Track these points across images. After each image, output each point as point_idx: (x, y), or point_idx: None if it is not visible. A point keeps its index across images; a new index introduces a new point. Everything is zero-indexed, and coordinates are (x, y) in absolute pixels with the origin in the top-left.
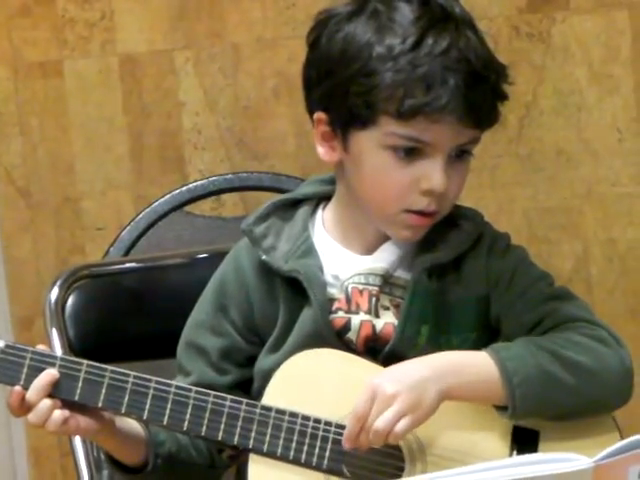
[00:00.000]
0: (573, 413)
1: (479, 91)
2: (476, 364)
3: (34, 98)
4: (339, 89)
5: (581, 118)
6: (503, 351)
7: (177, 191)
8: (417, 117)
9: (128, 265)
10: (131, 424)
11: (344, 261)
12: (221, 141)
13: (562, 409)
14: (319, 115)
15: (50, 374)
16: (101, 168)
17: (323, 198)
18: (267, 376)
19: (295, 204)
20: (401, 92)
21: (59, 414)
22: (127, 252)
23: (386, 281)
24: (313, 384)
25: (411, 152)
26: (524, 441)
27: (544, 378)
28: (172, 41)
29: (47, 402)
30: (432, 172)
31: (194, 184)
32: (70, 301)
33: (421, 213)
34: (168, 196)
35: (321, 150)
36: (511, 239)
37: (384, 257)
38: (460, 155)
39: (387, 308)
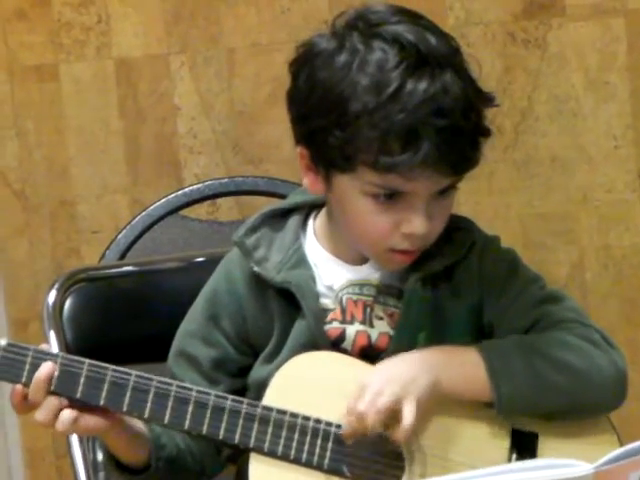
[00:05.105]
0: (563, 413)
1: (456, 142)
2: (464, 359)
3: (30, 101)
4: (317, 136)
5: (577, 124)
6: (492, 349)
7: (173, 195)
8: (393, 172)
9: (125, 269)
10: (137, 424)
11: (337, 271)
12: (217, 145)
13: (551, 408)
14: (302, 150)
15: (48, 366)
16: (97, 172)
17: (314, 206)
18: (262, 386)
19: (285, 214)
20: (376, 147)
21: (68, 413)
22: (123, 256)
23: (380, 291)
24: (313, 386)
25: (391, 197)
26: (523, 444)
27: (531, 376)
28: (168, 45)
29: (54, 401)
30: (413, 217)
31: (190, 188)
32: (67, 304)
33: (405, 252)
34: (164, 200)
35: (306, 181)
36: (501, 242)
37: (377, 267)
38: (444, 192)
39: (381, 318)
